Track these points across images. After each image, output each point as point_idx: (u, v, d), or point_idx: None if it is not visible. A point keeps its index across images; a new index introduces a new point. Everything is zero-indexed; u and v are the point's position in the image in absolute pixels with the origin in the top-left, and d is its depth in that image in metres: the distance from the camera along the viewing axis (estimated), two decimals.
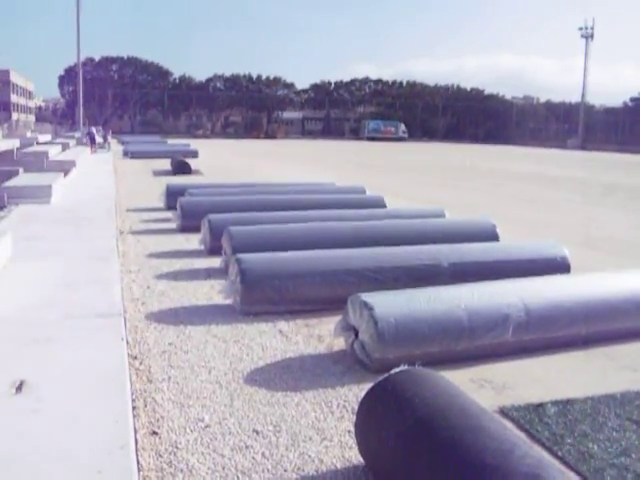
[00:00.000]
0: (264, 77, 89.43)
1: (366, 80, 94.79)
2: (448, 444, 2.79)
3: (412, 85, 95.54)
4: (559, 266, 6.88)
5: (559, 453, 3.67)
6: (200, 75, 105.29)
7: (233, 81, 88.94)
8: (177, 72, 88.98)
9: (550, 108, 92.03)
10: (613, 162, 45.05)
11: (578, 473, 3.48)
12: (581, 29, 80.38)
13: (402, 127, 77.66)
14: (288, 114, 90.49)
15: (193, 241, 9.21)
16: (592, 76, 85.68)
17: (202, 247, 8.78)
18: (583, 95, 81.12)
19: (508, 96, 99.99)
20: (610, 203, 17.88)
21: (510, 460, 2.60)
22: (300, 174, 20.93)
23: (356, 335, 4.86)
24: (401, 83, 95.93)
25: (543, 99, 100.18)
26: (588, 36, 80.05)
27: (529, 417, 4.08)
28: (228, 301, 6.23)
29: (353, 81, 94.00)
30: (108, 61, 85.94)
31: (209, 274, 7.53)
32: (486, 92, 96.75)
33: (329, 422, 4.00)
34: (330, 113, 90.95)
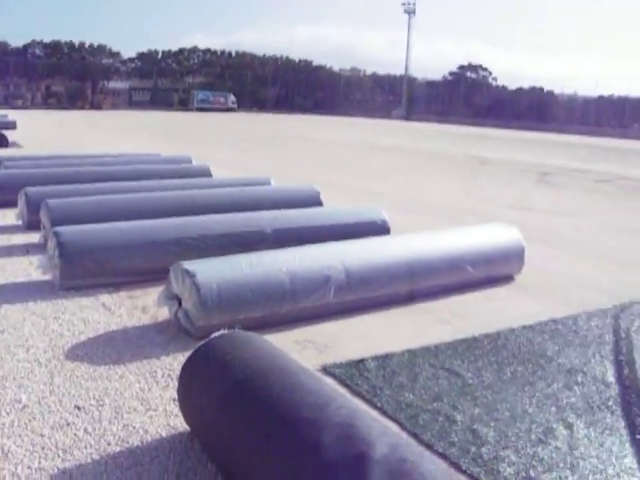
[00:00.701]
0: (87, 44, 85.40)
1: (195, 50, 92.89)
2: (267, 402, 2.84)
3: (241, 55, 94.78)
4: (379, 229, 7.17)
5: (378, 404, 3.85)
6: (17, 40, 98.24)
7: (54, 48, 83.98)
8: None
9: (376, 80, 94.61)
10: (434, 132, 47.23)
11: (395, 420, 3.67)
12: (404, 4, 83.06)
13: (232, 97, 76.99)
14: (114, 84, 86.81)
15: (10, 216, 8.69)
16: (416, 50, 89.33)
17: (20, 222, 8.33)
18: (406, 68, 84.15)
19: (336, 68, 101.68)
20: (432, 169, 18.78)
21: (326, 412, 2.69)
22: (129, 146, 20.27)
23: (180, 304, 4.82)
24: (230, 53, 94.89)
25: (370, 71, 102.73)
26: (411, 11, 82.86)
27: (350, 373, 4.25)
28: (47, 276, 5.97)
29: (181, 50, 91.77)
30: None
31: (27, 250, 7.15)
32: (315, 63, 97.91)
33: (154, 392, 3.96)
34: (158, 83, 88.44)
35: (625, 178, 19.64)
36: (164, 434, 3.49)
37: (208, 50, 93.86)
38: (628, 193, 16.18)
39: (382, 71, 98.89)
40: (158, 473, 3.12)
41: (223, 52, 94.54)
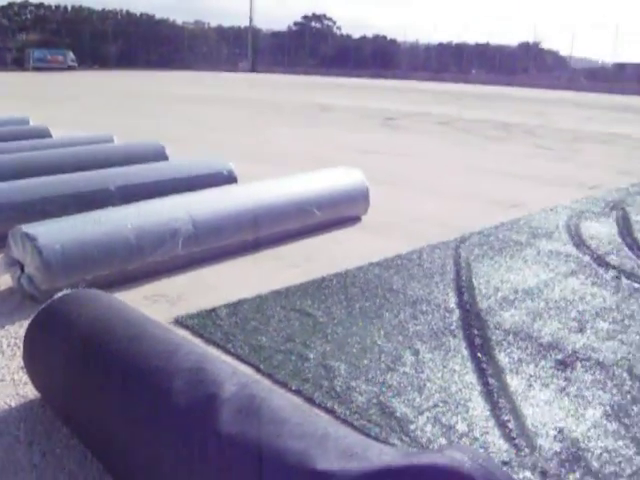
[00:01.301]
0: None
1: (26, 4, 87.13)
2: (115, 355, 2.81)
3: (78, 10, 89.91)
4: (227, 179, 7.14)
5: (232, 350, 3.89)
6: None
7: None
8: None
9: (221, 33, 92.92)
10: (280, 82, 47.18)
11: (250, 364, 3.72)
12: None
13: (71, 55, 73.31)
14: None
15: None
16: (260, 1, 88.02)
17: None
18: (251, 19, 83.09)
19: (179, 21, 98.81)
20: (278, 119, 18.82)
21: (175, 359, 2.70)
22: None
23: (22, 269, 4.62)
24: (66, 8, 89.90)
25: (214, 24, 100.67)
26: None
27: (203, 322, 4.26)
28: None
29: (11, 5, 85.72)
30: None
31: None
32: (157, 17, 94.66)
33: (0, 362, 3.80)
34: None
35: (463, 119, 20.54)
36: (13, 404, 3.36)
37: (41, 5, 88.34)
38: (465, 133, 16.94)
39: (227, 23, 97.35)
40: (8, 445, 3.01)
41: (58, 7, 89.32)
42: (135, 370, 2.71)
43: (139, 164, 7.49)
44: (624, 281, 5.44)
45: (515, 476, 2.80)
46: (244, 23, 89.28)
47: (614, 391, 3.59)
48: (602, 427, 3.23)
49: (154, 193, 6.14)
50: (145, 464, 2.55)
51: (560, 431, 3.17)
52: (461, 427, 3.17)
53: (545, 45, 71.74)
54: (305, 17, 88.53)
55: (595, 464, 2.92)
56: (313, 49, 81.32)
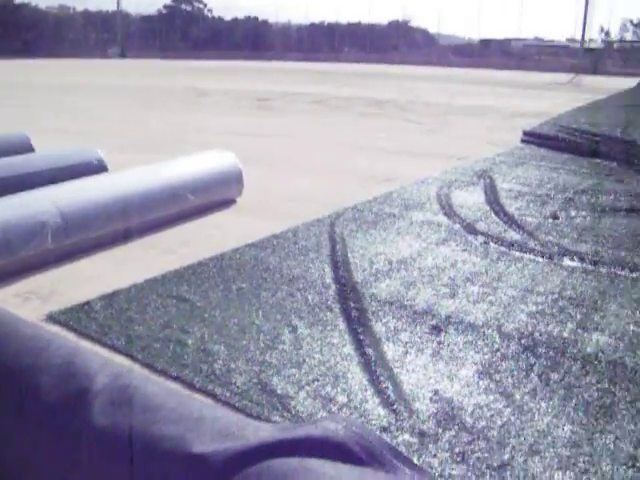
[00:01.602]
0: None
1: None
2: None
3: None
4: (97, 169, 6.94)
5: (108, 342, 3.79)
6: None
7: None
8: None
9: (88, 17, 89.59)
10: (152, 68, 46.11)
11: (127, 354, 3.64)
12: None
13: None
14: None
15: None
16: None
17: None
18: (118, 3, 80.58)
19: (42, 5, 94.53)
20: (150, 105, 18.41)
21: (45, 355, 2.61)
22: None
23: None
24: None
25: (80, 8, 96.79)
26: None
27: (77, 316, 4.12)
28: None
29: None
30: None
31: None
32: (16, 1, 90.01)
33: None
34: None
35: (336, 97, 20.80)
36: None
37: None
38: (340, 111, 17.15)
39: (93, 7, 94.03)
40: None
41: None
42: (3, 369, 2.60)
43: (2, 157, 7.14)
44: (492, 246, 5.70)
45: (394, 440, 2.89)
46: (112, 7, 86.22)
47: (485, 350, 3.77)
48: (474, 385, 3.38)
49: (20, 186, 5.88)
50: (18, 466, 2.47)
51: (436, 393, 3.29)
52: (341, 398, 3.23)
53: (414, 23, 73.63)
54: (175, 0, 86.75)
55: (469, 420, 3.05)
56: (184, 33, 79.92)
